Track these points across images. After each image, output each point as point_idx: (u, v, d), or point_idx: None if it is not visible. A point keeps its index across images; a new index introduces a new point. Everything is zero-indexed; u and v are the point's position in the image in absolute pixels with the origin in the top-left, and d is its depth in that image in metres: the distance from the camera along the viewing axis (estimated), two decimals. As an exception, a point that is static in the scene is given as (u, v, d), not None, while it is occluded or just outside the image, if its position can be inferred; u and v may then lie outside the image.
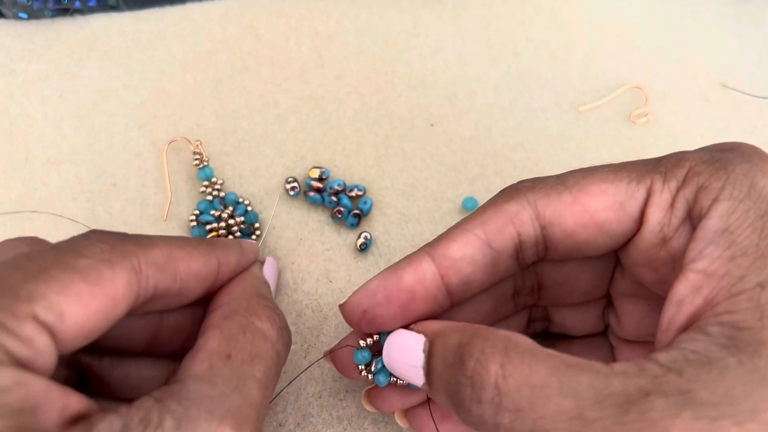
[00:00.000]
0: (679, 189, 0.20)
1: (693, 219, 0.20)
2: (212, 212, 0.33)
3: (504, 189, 0.23)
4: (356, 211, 0.34)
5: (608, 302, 0.27)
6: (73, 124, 0.36)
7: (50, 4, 0.39)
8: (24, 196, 0.34)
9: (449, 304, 0.24)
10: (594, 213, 0.21)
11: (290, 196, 0.34)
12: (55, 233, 0.33)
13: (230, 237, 0.32)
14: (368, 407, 0.27)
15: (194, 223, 0.33)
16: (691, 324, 0.18)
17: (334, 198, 0.34)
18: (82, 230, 0.33)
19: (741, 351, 0.17)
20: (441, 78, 0.40)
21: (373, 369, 0.24)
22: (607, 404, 0.16)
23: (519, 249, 0.23)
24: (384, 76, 0.39)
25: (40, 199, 0.34)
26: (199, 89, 0.38)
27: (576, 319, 0.28)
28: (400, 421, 0.27)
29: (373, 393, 0.27)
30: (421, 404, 0.26)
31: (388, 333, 0.24)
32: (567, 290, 0.26)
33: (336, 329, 0.31)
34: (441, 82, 0.39)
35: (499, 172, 0.36)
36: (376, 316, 0.23)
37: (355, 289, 0.24)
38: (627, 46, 0.42)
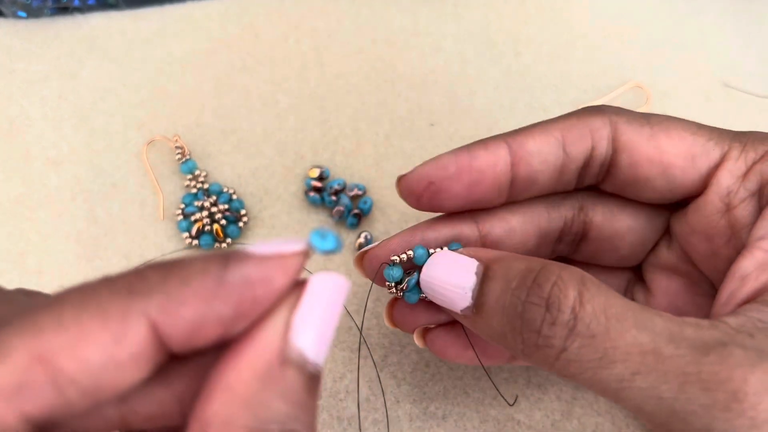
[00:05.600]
0: (755, 163, 0.21)
1: (763, 196, 0.20)
2: (196, 203, 0.33)
3: (590, 106, 0.23)
4: (356, 211, 0.34)
5: (633, 280, 0.27)
6: (72, 124, 0.36)
7: (49, 3, 0.39)
8: (23, 196, 0.34)
9: (504, 200, 0.23)
10: (665, 153, 0.21)
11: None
12: (54, 233, 0.33)
13: (214, 225, 0.33)
14: (389, 323, 0.26)
15: (180, 217, 0.33)
16: (751, 300, 0.19)
17: (333, 198, 0.34)
18: (83, 228, 0.33)
19: None
20: (441, 77, 0.39)
21: (404, 287, 0.24)
22: (683, 345, 0.17)
23: (587, 164, 0.23)
24: (384, 75, 0.39)
25: (39, 200, 0.34)
26: (199, 88, 0.38)
27: None
28: (418, 341, 0.26)
29: (396, 309, 0.26)
30: (443, 326, 0.25)
31: (423, 254, 0.23)
32: (608, 247, 0.26)
33: (336, 330, 0.31)
34: (441, 81, 0.39)
35: (499, 172, 0.36)
36: (441, 190, 0.23)
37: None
38: (628, 45, 0.42)
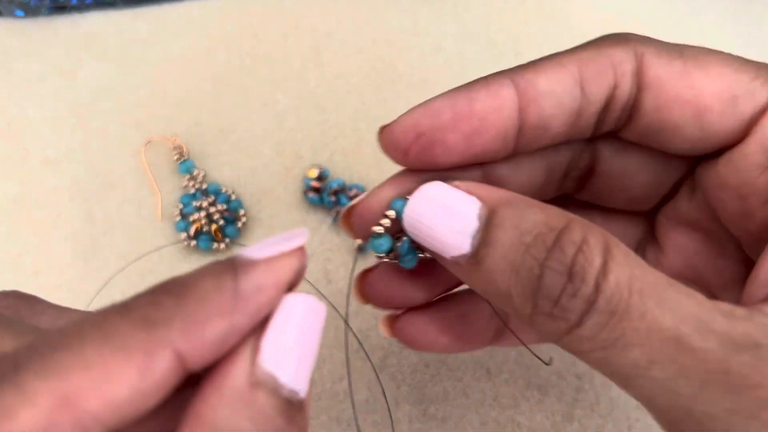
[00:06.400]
0: None
1: None
2: (194, 203, 0.33)
3: (611, 33, 0.19)
4: (355, 211, 0.33)
5: (644, 236, 0.24)
6: (70, 124, 0.36)
7: (47, 2, 0.38)
8: (20, 196, 0.34)
9: (509, 152, 0.19)
10: (700, 93, 0.18)
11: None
12: (52, 233, 0.33)
13: (213, 226, 0.32)
14: (360, 298, 0.23)
15: (178, 217, 0.33)
16: None
17: (333, 198, 0.34)
18: (81, 229, 0.33)
19: None
20: (441, 77, 0.39)
21: (396, 254, 0.20)
22: (711, 338, 0.14)
23: (606, 106, 0.19)
24: (384, 75, 0.39)
25: (36, 200, 0.34)
26: (197, 88, 0.38)
27: None
28: (383, 330, 0.23)
29: (368, 279, 0.22)
30: (414, 310, 0.22)
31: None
32: (616, 186, 0.22)
33: (336, 330, 0.31)
34: (441, 81, 0.39)
35: (499, 172, 0.36)
36: (434, 143, 0.18)
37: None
38: (629, 45, 0.42)
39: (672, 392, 0.15)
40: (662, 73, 0.18)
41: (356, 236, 0.21)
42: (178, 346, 0.13)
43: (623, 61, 0.18)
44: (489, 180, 0.21)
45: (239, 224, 0.33)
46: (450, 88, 0.20)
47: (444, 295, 0.23)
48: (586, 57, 0.19)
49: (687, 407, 0.15)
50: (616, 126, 0.20)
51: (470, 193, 0.18)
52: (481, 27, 0.42)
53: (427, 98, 0.20)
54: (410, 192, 0.19)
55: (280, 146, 0.36)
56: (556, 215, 0.16)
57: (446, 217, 0.18)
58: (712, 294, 0.21)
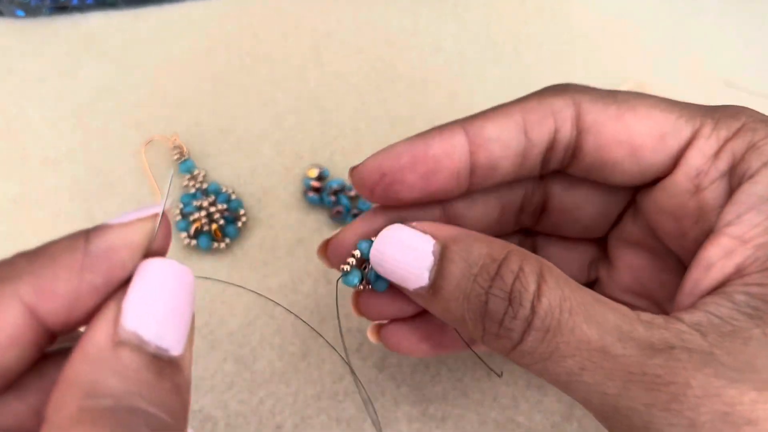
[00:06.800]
0: (727, 140, 0.19)
1: (734, 177, 0.19)
2: (194, 203, 0.33)
3: (552, 85, 0.22)
4: (355, 211, 0.33)
5: (598, 256, 0.26)
6: (70, 124, 0.36)
7: (48, 2, 0.39)
8: (21, 196, 0.34)
9: (464, 190, 0.22)
10: (634, 134, 0.20)
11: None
12: (52, 233, 0.33)
13: (213, 225, 0.32)
14: (356, 312, 0.25)
15: (179, 217, 0.33)
16: (715, 290, 0.18)
17: (332, 198, 0.34)
18: (80, 228, 0.33)
19: (766, 323, 0.17)
20: (441, 76, 0.39)
21: (367, 279, 0.23)
22: (630, 345, 0.17)
23: (550, 148, 0.21)
24: (384, 75, 0.39)
25: (36, 199, 0.34)
26: (198, 88, 0.38)
27: (561, 261, 0.26)
28: (372, 337, 0.25)
29: (362, 299, 0.25)
30: (399, 320, 0.25)
31: (368, 246, 0.22)
32: (569, 219, 0.25)
33: (335, 330, 0.31)
34: (441, 80, 0.39)
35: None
36: (395, 182, 0.21)
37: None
38: (629, 44, 0.42)
39: (601, 393, 0.17)
40: (598, 117, 0.21)
41: (331, 266, 0.24)
42: (28, 300, 0.14)
43: (563, 108, 0.21)
44: (448, 216, 0.23)
45: (239, 224, 0.33)
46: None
47: (424, 310, 0.24)
48: (529, 107, 0.21)
49: (614, 404, 0.17)
50: (562, 164, 0.22)
51: (425, 232, 0.20)
52: (481, 27, 0.42)
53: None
54: (375, 232, 0.22)
55: (280, 146, 0.36)
56: (498, 247, 0.19)
57: (406, 254, 0.20)
58: (659, 305, 0.24)
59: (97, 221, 0.33)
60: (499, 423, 0.29)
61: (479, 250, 0.19)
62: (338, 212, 0.33)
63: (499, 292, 0.18)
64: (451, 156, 0.21)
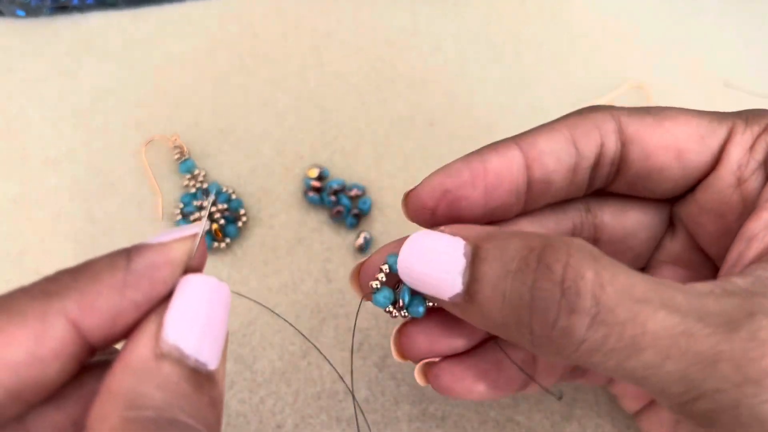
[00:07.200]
0: (760, 134, 0.21)
1: None
2: (194, 203, 0.33)
3: (588, 106, 0.23)
4: (356, 211, 0.33)
5: None
6: (70, 123, 0.36)
7: (48, 2, 0.39)
8: (21, 196, 0.34)
9: (521, 207, 0.22)
10: (676, 137, 0.21)
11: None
12: (52, 232, 0.33)
13: (213, 225, 0.33)
14: (398, 357, 0.23)
15: (179, 217, 0.33)
16: (758, 260, 0.18)
17: (333, 198, 0.34)
18: (81, 229, 0.33)
19: None
20: (441, 76, 0.39)
21: (401, 303, 0.21)
22: (710, 322, 0.16)
23: (598, 162, 0.22)
24: (383, 75, 0.39)
25: (37, 199, 0.34)
26: (198, 88, 0.38)
27: None
28: (419, 379, 0.23)
29: (404, 334, 0.23)
30: (450, 358, 0.23)
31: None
32: (621, 249, 0.24)
33: (335, 330, 0.31)
34: (441, 80, 0.39)
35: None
36: (460, 198, 0.21)
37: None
38: (629, 45, 0.42)
39: (686, 380, 0.16)
40: (640, 127, 0.21)
41: (363, 293, 0.23)
42: (73, 316, 0.15)
43: (605, 122, 0.21)
44: None
45: (239, 224, 0.33)
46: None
47: (478, 343, 0.23)
48: (573, 122, 0.22)
49: (699, 389, 0.16)
50: (607, 181, 0.23)
51: (454, 234, 0.19)
52: (481, 27, 0.42)
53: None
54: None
55: (280, 146, 0.36)
56: (534, 237, 0.17)
57: (435, 259, 0.19)
58: None
59: (97, 221, 0.33)
60: (499, 422, 0.29)
61: (515, 244, 0.17)
62: (338, 212, 0.33)
63: (547, 285, 0.16)
64: (510, 170, 0.21)
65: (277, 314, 0.31)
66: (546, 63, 0.41)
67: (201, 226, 0.17)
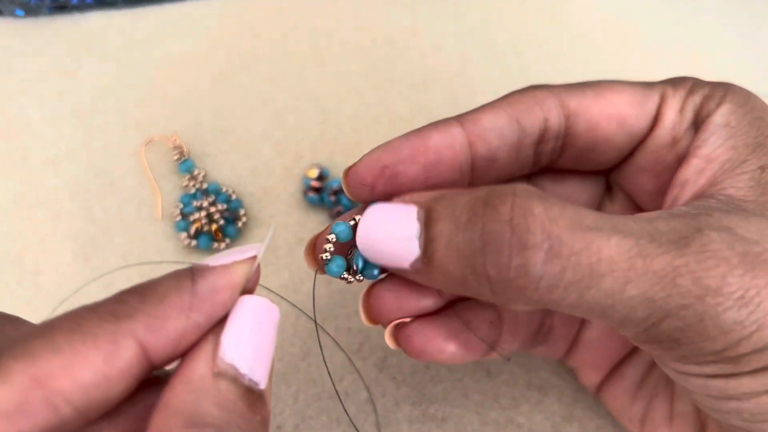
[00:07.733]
0: (686, 97, 0.22)
1: (697, 123, 0.21)
2: (194, 203, 0.33)
3: (525, 87, 0.23)
4: (355, 211, 0.33)
5: None
6: (70, 123, 0.36)
7: (47, 2, 0.38)
8: (21, 196, 0.34)
9: (467, 183, 0.22)
10: (618, 106, 0.22)
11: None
12: (52, 232, 0.33)
13: (213, 225, 0.32)
14: (367, 321, 0.23)
15: (179, 217, 0.33)
16: (693, 201, 0.20)
17: (332, 198, 0.34)
18: (81, 228, 0.33)
19: (760, 206, 0.18)
20: (442, 76, 0.39)
21: (355, 269, 0.21)
22: (663, 241, 0.17)
23: (543, 138, 0.22)
24: (384, 75, 0.39)
25: (37, 199, 0.34)
26: (198, 88, 0.38)
27: None
28: (390, 342, 0.23)
29: (372, 297, 0.22)
30: (420, 318, 0.22)
31: (345, 229, 0.20)
32: None
33: (335, 330, 0.31)
34: (441, 80, 0.39)
35: (499, 172, 0.36)
36: (398, 173, 0.20)
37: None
38: (629, 44, 0.42)
39: (648, 301, 0.16)
40: (582, 100, 0.22)
41: (316, 266, 0.22)
42: (142, 338, 0.15)
43: (546, 98, 0.22)
44: None
45: (239, 224, 0.33)
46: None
47: (447, 303, 0.23)
48: (515, 99, 0.22)
49: (664, 309, 0.16)
50: (552, 157, 0.23)
51: (406, 202, 0.20)
52: (482, 27, 0.42)
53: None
54: (351, 216, 0.21)
55: (280, 146, 0.36)
56: (481, 189, 0.18)
57: (390, 228, 0.19)
58: None
59: (97, 221, 0.33)
60: (500, 423, 0.29)
61: (462, 199, 0.18)
62: (338, 212, 0.33)
63: (495, 227, 0.16)
64: (452, 147, 0.21)
65: (291, 303, 0.31)
66: (546, 63, 0.41)
67: (259, 249, 0.18)
